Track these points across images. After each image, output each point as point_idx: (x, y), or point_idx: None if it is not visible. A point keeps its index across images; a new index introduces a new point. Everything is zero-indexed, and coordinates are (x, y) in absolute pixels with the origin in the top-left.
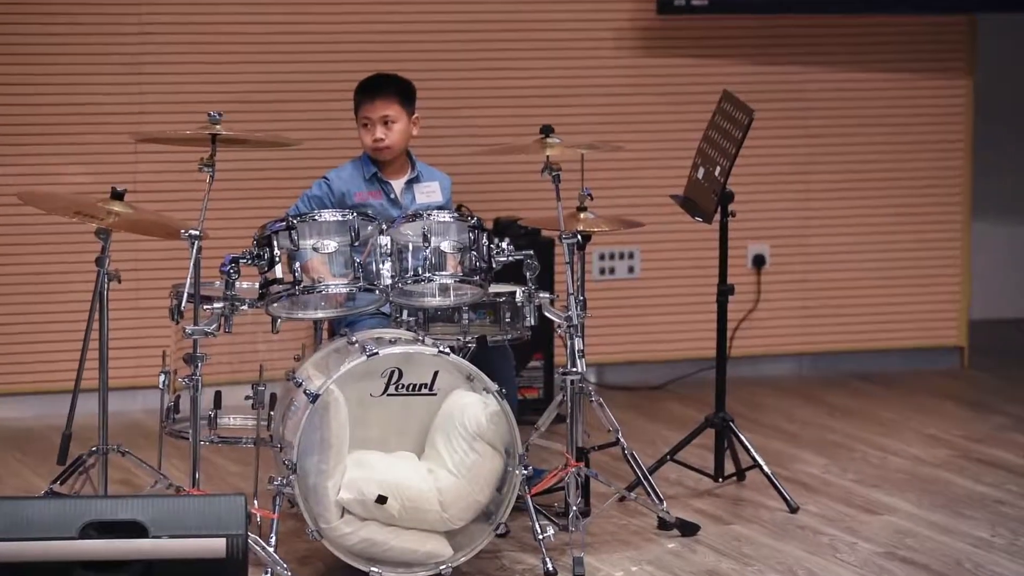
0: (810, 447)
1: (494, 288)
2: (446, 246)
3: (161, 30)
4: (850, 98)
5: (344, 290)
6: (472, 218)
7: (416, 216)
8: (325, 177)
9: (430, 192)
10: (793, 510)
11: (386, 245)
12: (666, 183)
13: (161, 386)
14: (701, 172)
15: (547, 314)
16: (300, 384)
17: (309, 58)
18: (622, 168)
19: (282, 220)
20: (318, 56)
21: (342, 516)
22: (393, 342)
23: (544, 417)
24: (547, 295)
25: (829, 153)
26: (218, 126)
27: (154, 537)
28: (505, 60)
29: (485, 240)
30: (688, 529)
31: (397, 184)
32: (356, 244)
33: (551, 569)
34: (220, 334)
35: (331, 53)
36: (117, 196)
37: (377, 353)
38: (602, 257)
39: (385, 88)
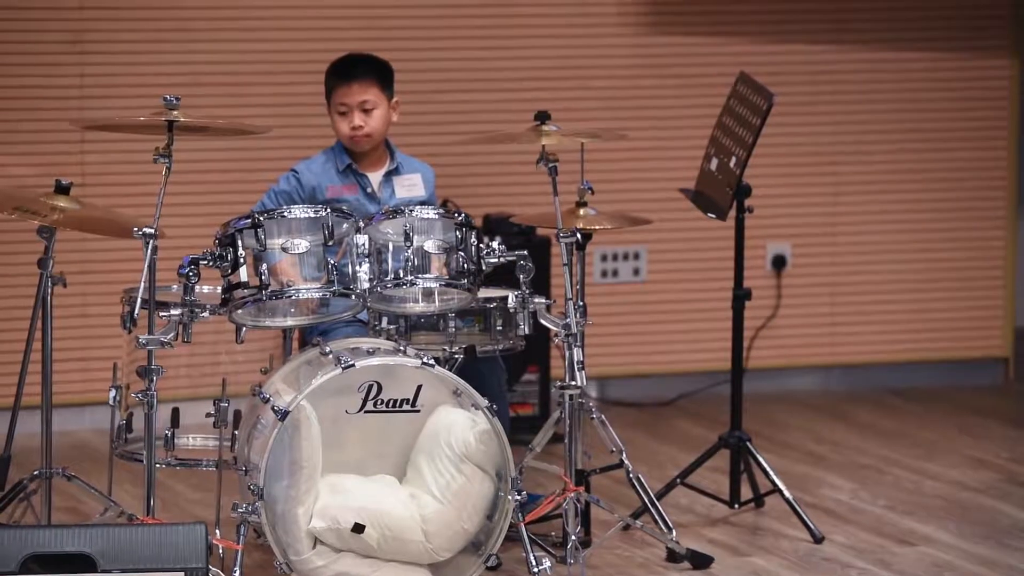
0: (837, 470)
1: (483, 293)
2: (430, 246)
3: (107, 3)
4: (881, 80)
5: (317, 295)
6: (459, 215)
7: (397, 212)
8: (294, 170)
9: (411, 185)
10: (818, 540)
11: (363, 245)
12: (675, 176)
13: (112, 403)
14: (714, 163)
15: (543, 321)
16: (267, 400)
17: (277, 35)
18: (626, 159)
19: (247, 217)
20: (287, 33)
21: (314, 547)
22: (371, 353)
23: (540, 436)
24: (543, 300)
25: (858, 142)
26: (175, 111)
27: (104, 571)
28: (495, 37)
29: (474, 239)
30: (700, 561)
31: (374, 177)
32: (330, 244)
33: None
34: (178, 344)
35: (302, 30)
36: (62, 190)
37: (353, 365)
38: (604, 258)
39: (363, 70)
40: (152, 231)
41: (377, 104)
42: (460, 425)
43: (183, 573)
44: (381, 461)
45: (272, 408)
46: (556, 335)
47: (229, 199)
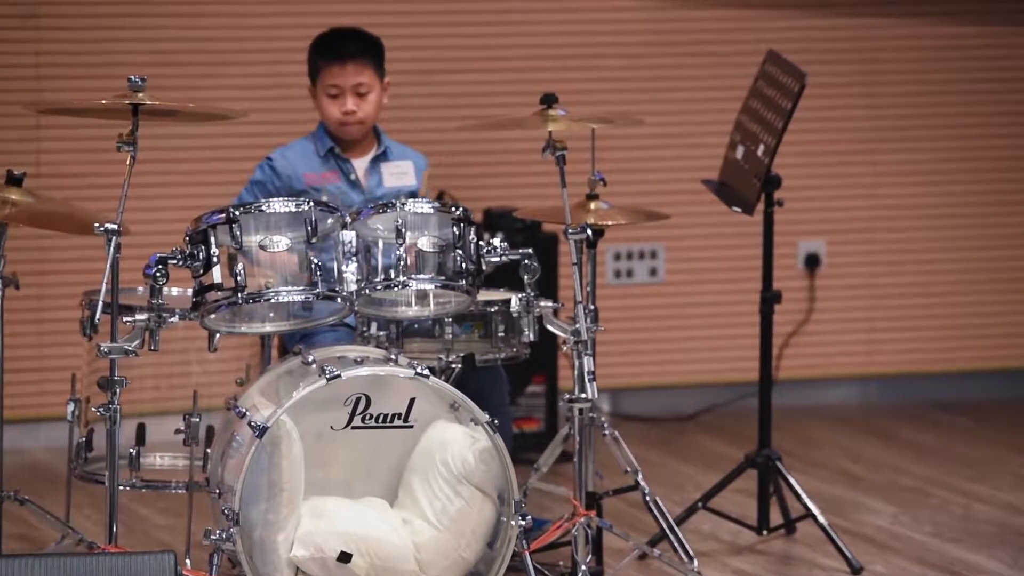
0: (876, 493)
1: (483, 295)
2: (425, 243)
3: None
4: (925, 59)
5: (298, 298)
6: (457, 209)
7: (387, 206)
8: (268, 157)
9: (401, 173)
10: (856, 571)
11: (350, 242)
12: (697, 165)
13: (70, 418)
14: (740, 152)
15: (550, 327)
16: (243, 415)
17: (256, 9)
18: (642, 147)
19: (221, 211)
20: (267, 7)
21: None
22: (359, 362)
23: (546, 455)
24: (549, 304)
25: (900, 128)
26: (141, 94)
27: None
28: (497, 12)
29: (473, 236)
30: None
31: (359, 163)
32: (313, 241)
33: None
34: (144, 353)
35: (283, 3)
36: (14, 181)
37: (339, 376)
38: (617, 257)
39: (357, 49)
40: (115, 227)
41: (372, 87)
42: (458, 442)
43: None
44: (370, 482)
45: (249, 424)
46: (564, 342)
47: (201, 191)
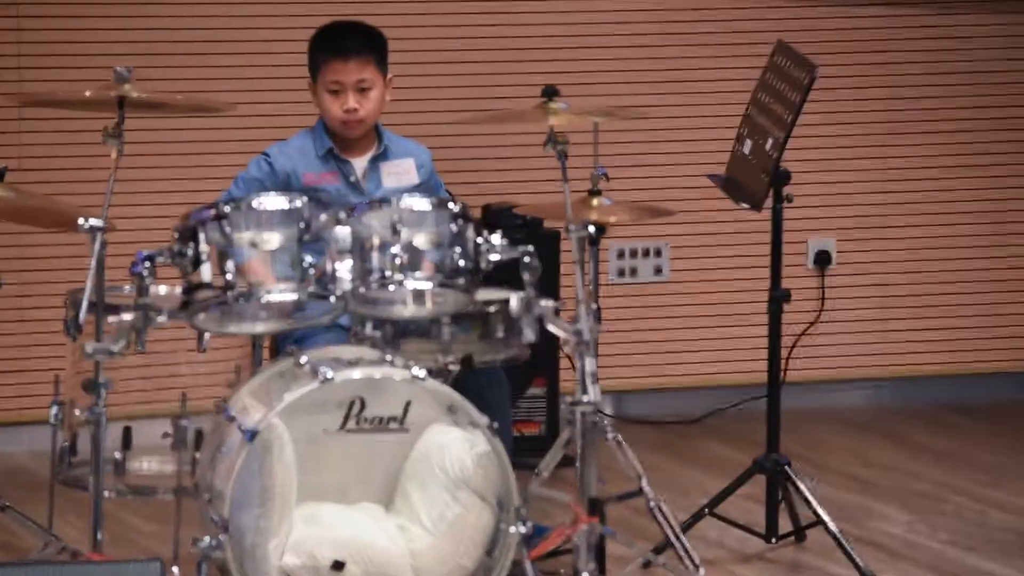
0: (889, 499)
1: (482, 294)
2: (421, 241)
3: None
4: (942, 48)
5: (291, 297)
6: (455, 205)
7: (383, 202)
8: (265, 153)
9: (401, 173)
10: None
11: (345, 239)
12: (703, 160)
13: (53, 421)
14: (748, 146)
15: (551, 327)
16: (234, 418)
17: None
18: (647, 141)
19: (211, 207)
20: None
21: None
22: (353, 363)
23: (547, 459)
24: (551, 303)
25: (915, 120)
26: (127, 85)
27: None
28: (496, 1)
29: (471, 233)
30: None
31: (359, 163)
32: (306, 238)
33: None
34: (130, 354)
35: None
36: None
37: (333, 378)
38: (621, 255)
39: (360, 44)
40: (101, 223)
41: (374, 84)
42: (456, 446)
43: None
44: (365, 488)
45: (239, 427)
46: (566, 343)
47: (190, 187)
